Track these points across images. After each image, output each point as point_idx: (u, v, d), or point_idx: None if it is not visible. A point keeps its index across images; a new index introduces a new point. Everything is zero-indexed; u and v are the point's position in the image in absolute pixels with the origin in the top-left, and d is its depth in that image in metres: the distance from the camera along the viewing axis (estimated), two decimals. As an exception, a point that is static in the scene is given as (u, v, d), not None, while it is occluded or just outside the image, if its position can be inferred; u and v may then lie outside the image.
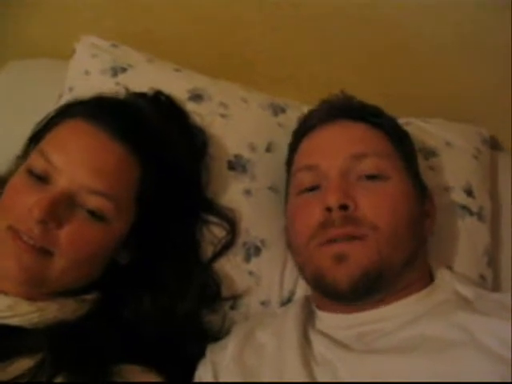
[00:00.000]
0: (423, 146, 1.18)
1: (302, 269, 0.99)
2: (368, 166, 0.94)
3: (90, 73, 1.21)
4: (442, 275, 0.97)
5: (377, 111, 1.04)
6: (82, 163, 0.86)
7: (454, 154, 1.19)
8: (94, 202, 0.86)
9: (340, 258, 0.88)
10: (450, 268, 1.06)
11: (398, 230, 0.90)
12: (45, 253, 0.85)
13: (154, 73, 1.21)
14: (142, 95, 1.07)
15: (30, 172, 0.88)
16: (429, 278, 0.97)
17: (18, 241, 0.84)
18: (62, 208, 0.84)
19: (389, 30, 1.31)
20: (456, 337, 0.80)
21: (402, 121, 1.15)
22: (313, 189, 0.96)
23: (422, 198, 0.99)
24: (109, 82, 1.17)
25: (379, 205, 0.91)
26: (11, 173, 0.94)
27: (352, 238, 0.89)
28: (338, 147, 0.96)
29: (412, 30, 1.30)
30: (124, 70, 1.20)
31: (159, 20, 1.39)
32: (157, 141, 0.95)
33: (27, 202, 0.84)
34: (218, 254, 1.06)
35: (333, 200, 0.89)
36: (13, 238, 0.84)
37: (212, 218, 1.07)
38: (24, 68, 1.37)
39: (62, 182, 0.86)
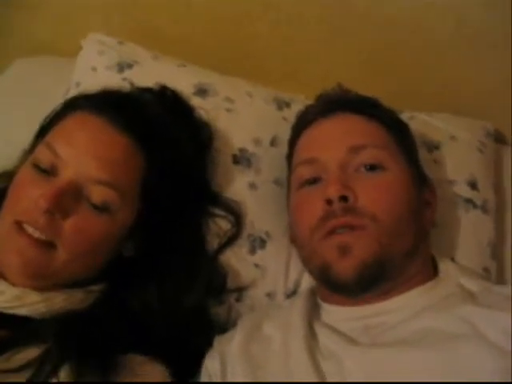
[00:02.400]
0: (427, 140, 1.18)
1: (306, 262, 0.99)
2: (366, 156, 0.94)
3: (96, 69, 1.22)
4: (447, 268, 0.97)
5: (374, 103, 1.04)
6: (88, 155, 0.87)
7: (458, 148, 1.19)
8: (99, 193, 0.86)
9: (344, 250, 0.88)
10: (454, 260, 1.06)
11: (397, 220, 0.90)
12: (48, 246, 0.85)
13: (159, 68, 1.22)
14: (148, 90, 1.08)
15: (37, 165, 0.88)
16: (433, 271, 0.97)
17: (23, 235, 0.84)
18: (68, 199, 0.85)
19: (391, 27, 1.33)
20: (460, 330, 0.80)
21: (406, 115, 1.16)
22: (313, 181, 0.96)
23: (421, 187, 0.99)
24: (115, 78, 1.18)
25: (378, 195, 0.91)
26: (18, 168, 0.94)
27: (352, 227, 0.89)
28: (337, 140, 0.97)
29: (414, 26, 1.32)
30: (130, 66, 1.21)
31: (166, 17, 1.41)
32: (161, 133, 0.96)
33: (33, 195, 0.84)
34: (223, 246, 1.06)
35: (333, 192, 0.90)
36: (18, 233, 0.85)
37: (217, 211, 1.08)
38: (31, 66, 1.38)
39: (69, 173, 0.86)
